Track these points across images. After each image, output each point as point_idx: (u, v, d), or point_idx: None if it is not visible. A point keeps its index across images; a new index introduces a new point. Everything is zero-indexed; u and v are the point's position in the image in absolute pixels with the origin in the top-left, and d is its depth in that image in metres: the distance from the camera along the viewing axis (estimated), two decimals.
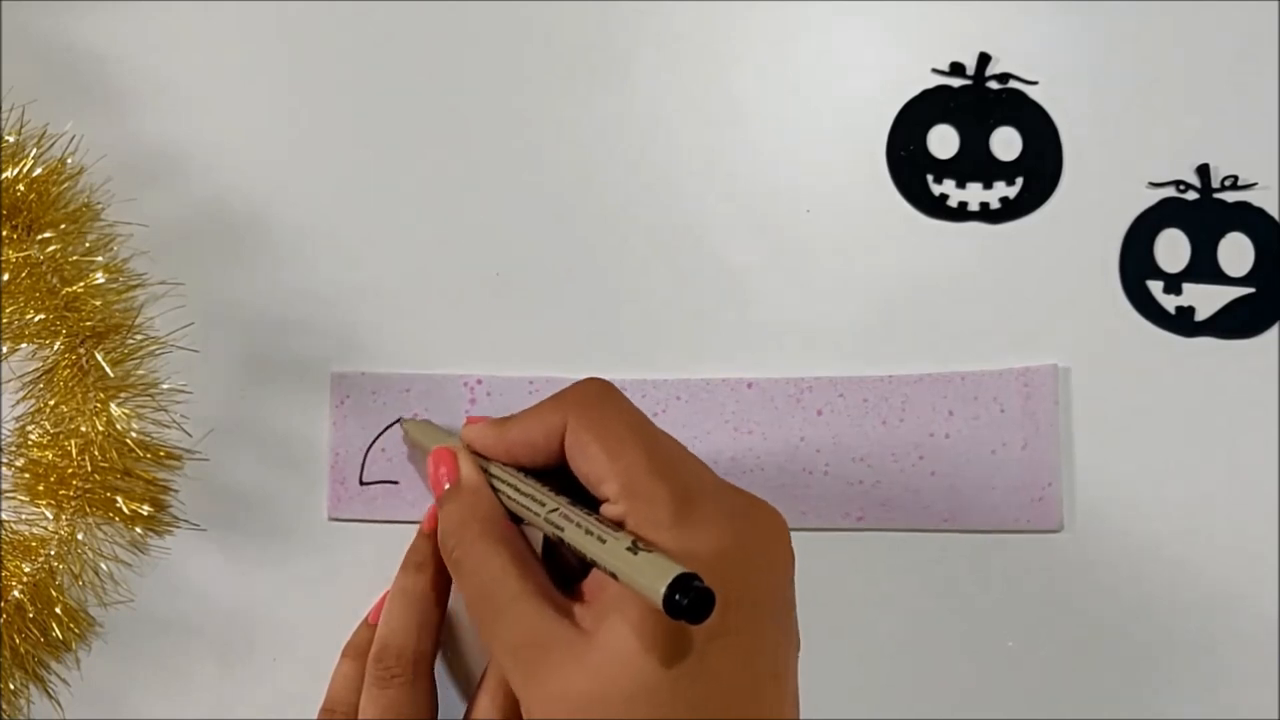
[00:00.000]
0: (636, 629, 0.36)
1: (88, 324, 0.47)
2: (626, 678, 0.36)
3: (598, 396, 0.42)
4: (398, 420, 0.49)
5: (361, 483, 0.49)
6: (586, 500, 0.40)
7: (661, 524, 0.38)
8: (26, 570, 0.47)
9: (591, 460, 0.40)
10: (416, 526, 0.47)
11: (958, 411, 0.48)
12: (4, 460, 0.48)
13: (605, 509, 0.39)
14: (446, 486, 0.44)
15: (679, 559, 0.35)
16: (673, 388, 0.49)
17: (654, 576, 0.34)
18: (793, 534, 0.40)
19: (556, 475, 0.42)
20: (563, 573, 0.42)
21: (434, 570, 0.46)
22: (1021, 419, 0.48)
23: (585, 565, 0.40)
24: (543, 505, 0.40)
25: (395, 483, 0.49)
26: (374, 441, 0.49)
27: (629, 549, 0.36)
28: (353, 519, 0.49)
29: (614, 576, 0.36)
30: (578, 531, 0.38)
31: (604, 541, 0.37)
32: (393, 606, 0.46)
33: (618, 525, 0.38)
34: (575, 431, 0.40)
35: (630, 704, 0.36)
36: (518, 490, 0.42)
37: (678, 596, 0.33)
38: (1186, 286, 0.49)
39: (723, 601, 0.34)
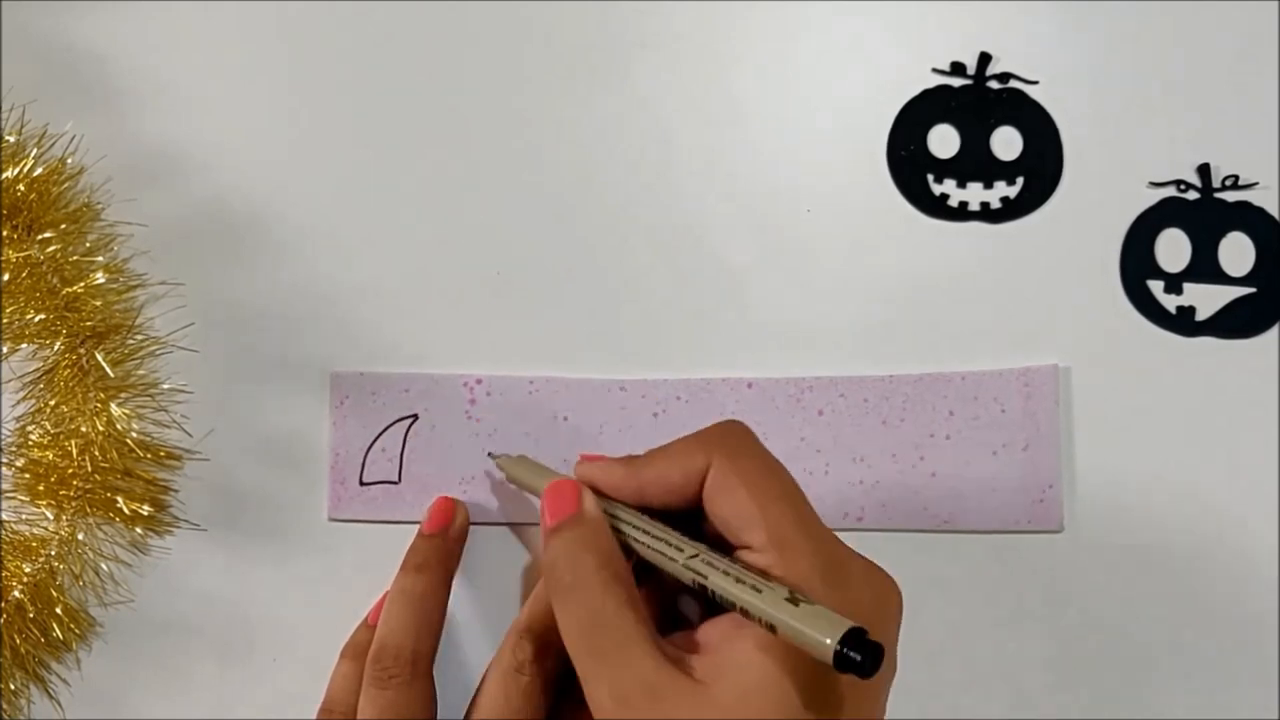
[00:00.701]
0: (768, 683, 0.36)
1: (88, 324, 0.47)
2: None
3: (743, 441, 0.41)
4: (489, 454, 0.48)
5: (361, 483, 0.49)
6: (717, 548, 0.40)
7: (810, 581, 0.37)
8: (27, 570, 0.47)
9: (738, 506, 0.39)
10: (416, 527, 0.47)
11: (958, 412, 0.48)
12: (4, 460, 0.48)
13: (745, 555, 0.38)
14: (556, 520, 0.41)
15: None
16: (673, 387, 0.49)
17: (823, 629, 0.34)
18: None
19: (674, 522, 0.41)
20: (662, 623, 0.42)
21: (434, 572, 0.46)
22: (1022, 420, 0.48)
23: (700, 615, 0.40)
24: (681, 550, 0.39)
25: (395, 483, 0.49)
26: (374, 441, 0.49)
27: (788, 599, 0.35)
28: (353, 519, 0.49)
29: (770, 628, 0.35)
30: (725, 579, 0.37)
31: (759, 591, 0.36)
32: (392, 607, 0.46)
33: (765, 574, 0.37)
34: (722, 475, 0.39)
35: None
36: (648, 534, 0.40)
37: (849, 651, 0.33)
38: (1187, 286, 0.49)
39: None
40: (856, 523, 0.48)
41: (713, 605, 0.38)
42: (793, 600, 0.35)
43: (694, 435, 0.41)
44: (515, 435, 0.49)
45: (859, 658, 0.33)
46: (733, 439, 0.41)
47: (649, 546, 0.40)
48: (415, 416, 0.49)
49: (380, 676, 0.44)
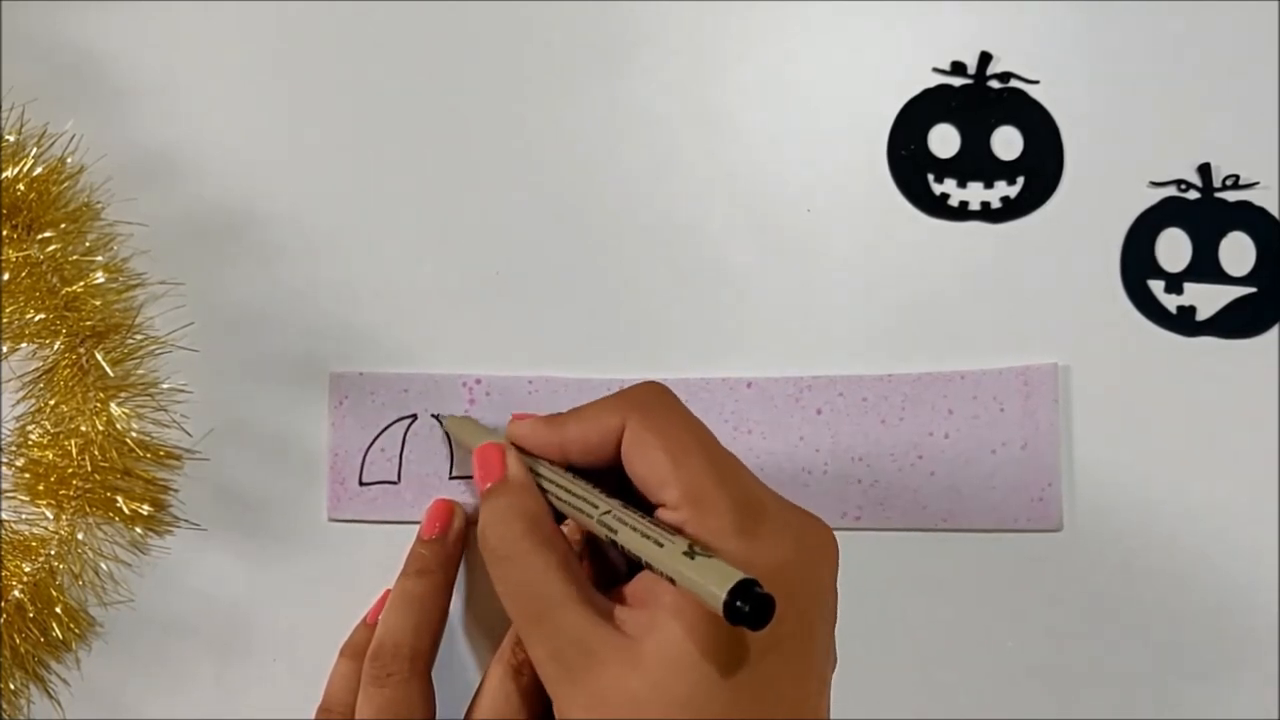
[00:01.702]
0: (690, 636, 0.36)
1: (88, 324, 0.47)
2: (679, 684, 0.36)
3: (659, 400, 0.41)
4: (436, 416, 0.49)
5: (361, 483, 0.49)
6: (638, 505, 0.40)
7: (724, 534, 0.37)
8: (27, 570, 0.47)
9: (652, 464, 0.39)
10: (416, 527, 0.47)
11: (957, 411, 0.48)
12: (4, 460, 0.48)
13: (663, 514, 0.39)
14: (489, 485, 0.43)
15: (740, 569, 0.35)
16: (672, 387, 0.49)
17: (715, 581, 0.34)
18: None
19: (602, 478, 0.41)
20: (601, 577, 0.42)
21: (435, 576, 0.46)
22: (1021, 418, 0.48)
23: (629, 569, 0.40)
24: (595, 507, 0.40)
25: (395, 483, 0.49)
26: (373, 441, 0.49)
27: (685, 553, 0.36)
28: (352, 519, 0.49)
29: (671, 580, 0.36)
30: (633, 535, 0.38)
31: (661, 545, 0.37)
32: (392, 608, 0.46)
33: (675, 530, 0.38)
34: (636, 433, 0.40)
35: (681, 709, 0.36)
36: (568, 491, 0.41)
37: (739, 602, 0.33)
38: (1188, 286, 0.49)
39: (779, 614, 0.34)
40: (855, 521, 0.48)
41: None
42: (689, 553, 0.36)
43: (613, 395, 0.42)
44: None
45: (747, 608, 0.33)
46: (648, 398, 0.41)
47: (568, 504, 0.41)
48: (414, 416, 0.49)
49: (378, 674, 0.44)
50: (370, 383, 0.49)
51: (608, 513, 0.39)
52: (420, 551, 0.47)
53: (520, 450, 0.43)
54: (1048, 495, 0.48)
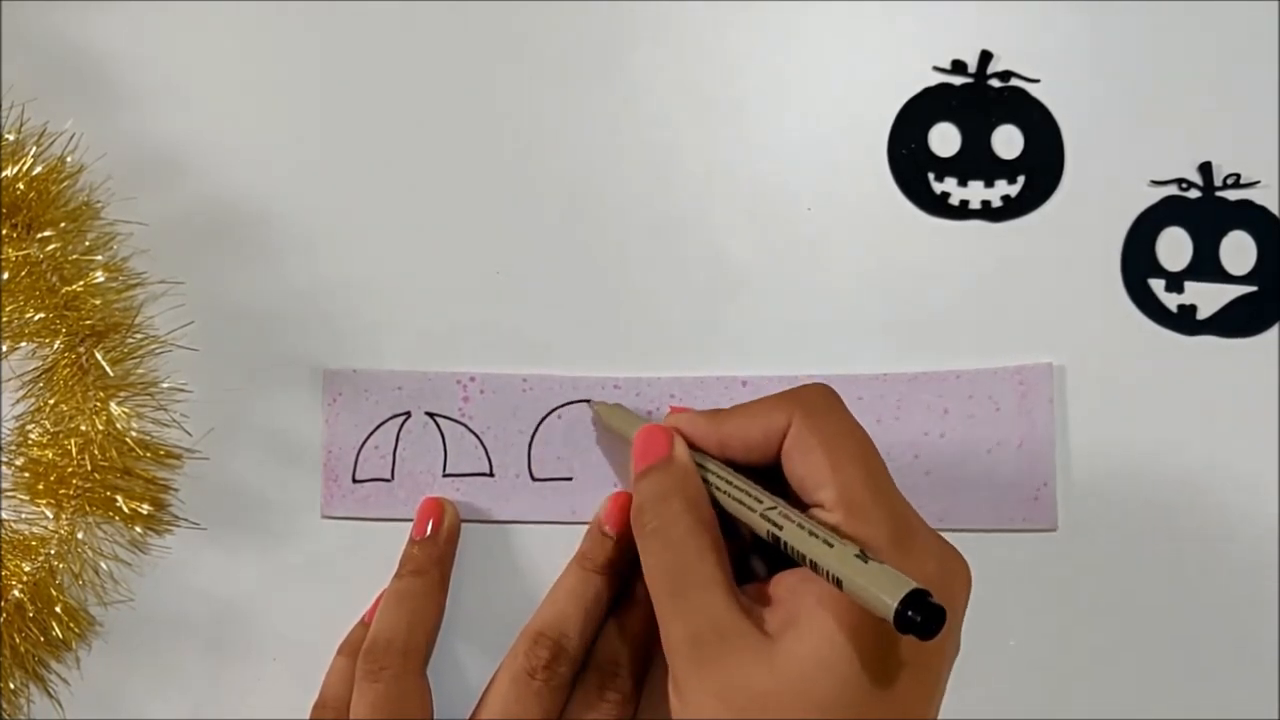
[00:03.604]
0: (832, 640, 0.36)
1: (87, 323, 0.47)
2: (814, 687, 0.36)
3: (825, 402, 0.41)
4: (587, 401, 0.48)
5: (354, 480, 0.49)
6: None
7: (878, 544, 0.37)
8: (26, 569, 0.47)
9: (813, 465, 0.39)
10: (411, 525, 0.48)
11: (953, 410, 0.48)
12: (4, 459, 0.48)
13: (816, 514, 0.39)
14: (650, 463, 0.42)
15: None
16: (667, 385, 0.49)
17: (887, 588, 0.34)
18: None
19: (758, 477, 0.41)
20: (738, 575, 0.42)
21: (429, 575, 0.46)
22: (1017, 417, 0.48)
23: (768, 570, 0.40)
24: (759, 502, 0.40)
25: (388, 480, 0.49)
26: (367, 439, 0.49)
27: (858, 556, 0.36)
28: (346, 517, 0.49)
29: (837, 583, 0.36)
30: (799, 532, 0.38)
31: (830, 546, 0.36)
32: (385, 606, 0.46)
33: (837, 532, 0.37)
34: (800, 434, 0.40)
35: (813, 711, 0.36)
36: (730, 483, 0.41)
37: (910, 612, 0.33)
38: (1188, 285, 0.49)
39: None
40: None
41: (781, 559, 0.39)
42: (862, 557, 0.36)
43: (778, 394, 0.42)
44: (509, 433, 0.49)
45: (920, 618, 0.33)
46: (815, 399, 0.41)
47: (729, 495, 0.41)
48: (408, 414, 0.49)
49: (371, 670, 0.44)
50: (364, 380, 0.49)
51: (772, 508, 0.39)
52: (413, 552, 0.47)
53: None
54: (1043, 495, 0.48)
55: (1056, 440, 0.48)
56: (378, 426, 0.49)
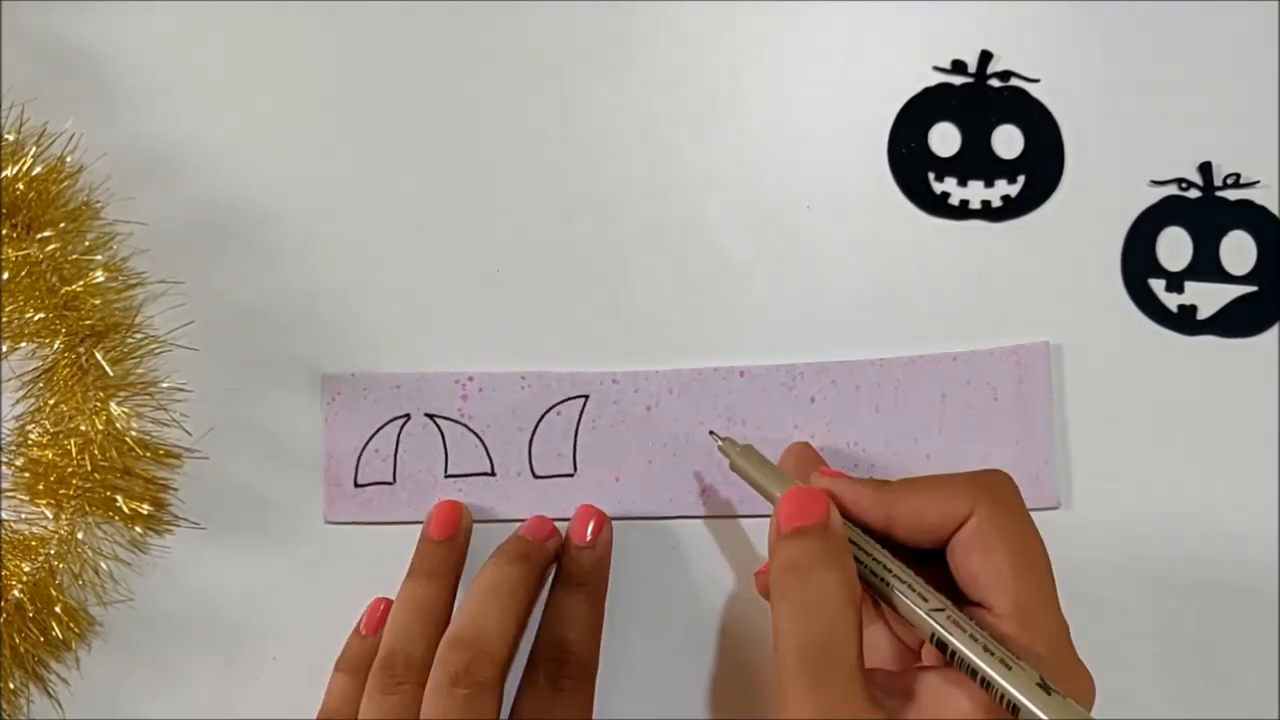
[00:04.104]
0: None
1: (87, 323, 0.47)
2: None
3: (1011, 497, 0.40)
4: (713, 434, 0.47)
5: (356, 485, 0.49)
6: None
7: (1042, 662, 0.36)
8: (26, 570, 0.47)
9: (994, 567, 0.38)
10: (413, 527, 0.48)
11: (951, 394, 0.48)
12: (4, 459, 0.48)
13: (980, 615, 0.38)
14: (798, 524, 0.39)
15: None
16: (665, 379, 0.49)
17: None
18: None
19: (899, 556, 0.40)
20: None
21: (445, 579, 0.46)
22: (1015, 398, 0.48)
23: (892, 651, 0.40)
24: (924, 600, 0.38)
25: (390, 483, 0.49)
26: (367, 443, 0.49)
27: (1040, 685, 0.35)
28: (349, 521, 0.49)
29: (1012, 710, 0.35)
30: (973, 645, 0.36)
31: (1009, 668, 0.36)
32: (401, 613, 0.45)
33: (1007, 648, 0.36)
34: (984, 531, 0.38)
35: None
36: (888, 570, 0.39)
37: None
38: (1188, 285, 0.49)
39: None
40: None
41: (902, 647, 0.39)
42: (1044, 687, 0.35)
43: (958, 477, 0.40)
44: (509, 431, 0.49)
45: None
46: (1001, 491, 0.40)
47: (888, 585, 0.39)
48: (408, 416, 0.49)
49: (388, 682, 0.43)
50: (362, 383, 0.49)
51: (941, 610, 0.37)
52: (431, 552, 0.46)
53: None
54: (1044, 474, 0.48)
55: (1057, 428, 0.48)
56: (378, 430, 0.49)
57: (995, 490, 0.40)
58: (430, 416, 0.49)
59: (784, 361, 0.49)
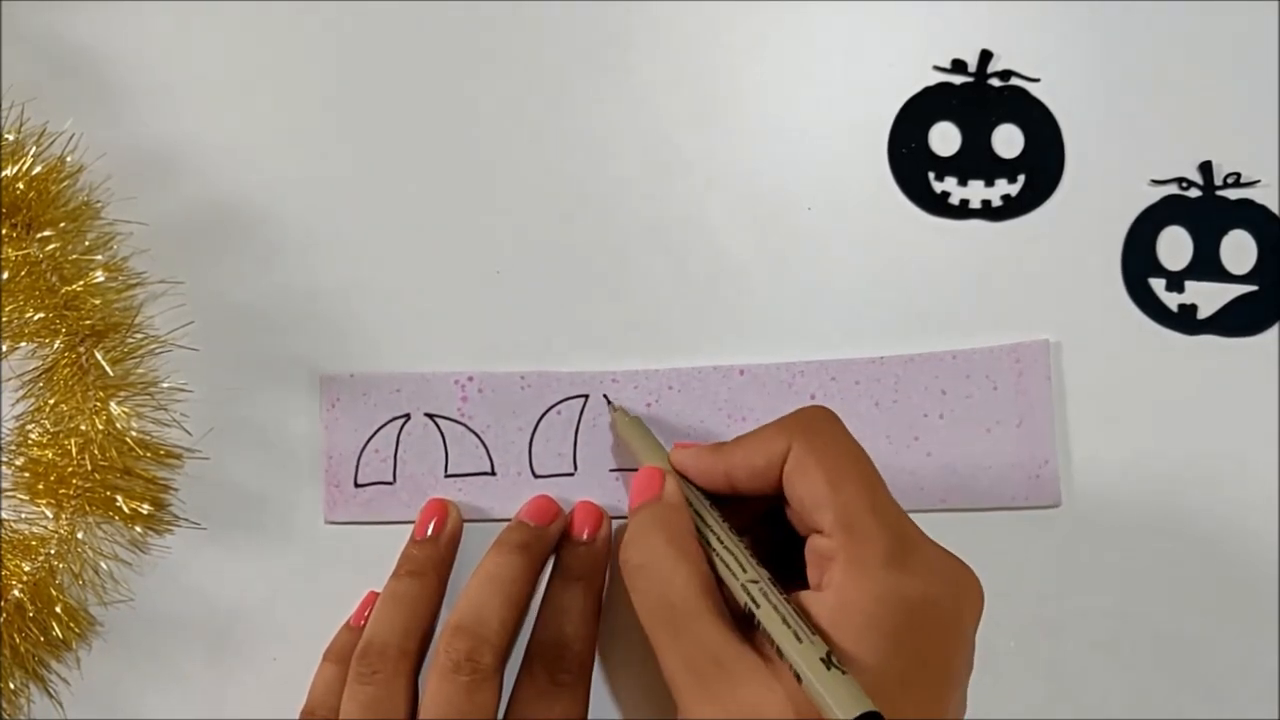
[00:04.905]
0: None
1: (87, 322, 0.47)
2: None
3: (824, 423, 0.42)
4: (608, 402, 0.48)
5: (356, 485, 0.49)
6: (792, 536, 0.41)
7: (874, 563, 0.38)
8: (26, 569, 0.47)
9: (812, 486, 0.40)
10: (413, 527, 0.47)
11: (951, 391, 0.48)
12: (4, 459, 0.48)
13: (816, 539, 0.40)
14: (636, 503, 0.43)
15: (889, 599, 0.36)
16: (665, 377, 0.49)
17: (843, 702, 0.34)
18: None
19: (763, 519, 0.42)
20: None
21: (427, 577, 0.46)
22: (1015, 396, 0.48)
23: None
24: (743, 570, 0.40)
25: (390, 483, 0.49)
26: (367, 443, 0.49)
27: (823, 660, 0.36)
28: (349, 521, 0.49)
29: (797, 677, 0.36)
30: (774, 616, 0.38)
31: (799, 641, 0.37)
32: (381, 607, 0.45)
33: (815, 628, 0.37)
34: (799, 456, 0.40)
35: None
36: (721, 543, 0.41)
37: None
38: (1189, 284, 0.49)
39: (921, 653, 0.36)
40: None
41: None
42: (826, 661, 0.36)
43: (778, 420, 0.42)
44: (509, 431, 0.49)
45: None
46: (813, 422, 0.42)
47: (717, 554, 0.41)
48: (408, 416, 0.49)
49: (363, 673, 0.44)
50: (362, 384, 0.49)
51: (754, 581, 0.39)
52: (412, 552, 0.47)
53: (686, 481, 0.44)
54: (1045, 472, 0.48)
55: (1057, 427, 0.48)
56: (378, 430, 0.49)
57: (808, 421, 0.42)
58: (430, 416, 0.49)
59: (782, 360, 0.49)
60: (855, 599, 0.38)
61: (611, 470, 0.48)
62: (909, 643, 0.37)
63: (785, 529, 0.42)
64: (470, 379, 0.49)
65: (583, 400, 0.49)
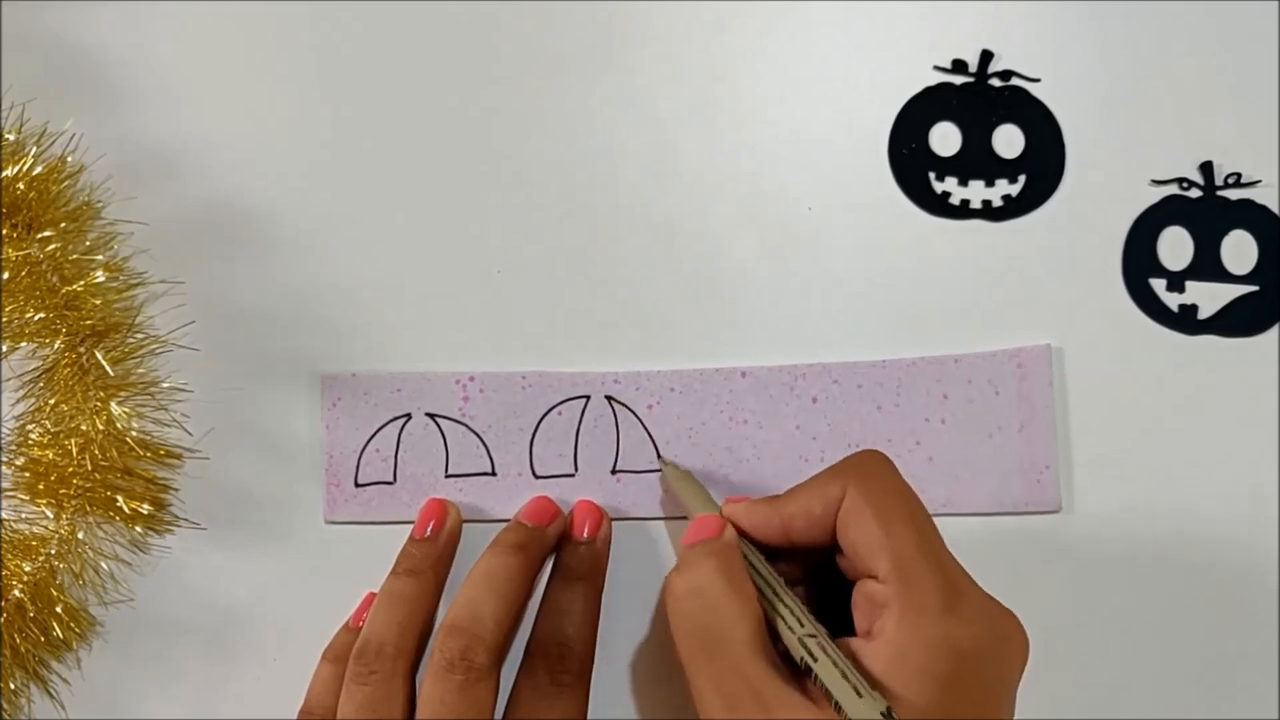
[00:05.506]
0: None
1: (88, 323, 0.47)
2: None
3: (876, 467, 0.42)
4: (659, 456, 0.48)
5: (357, 484, 0.49)
6: (842, 584, 0.41)
7: (929, 610, 0.38)
8: (27, 569, 0.47)
9: (866, 531, 0.40)
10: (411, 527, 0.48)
11: (952, 395, 0.48)
12: (4, 459, 0.48)
13: (868, 585, 0.39)
14: (691, 540, 0.42)
15: (942, 647, 0.36)
16: (666, 379, 0.49)
17: None
18: None
19: (817, 567, 0.42)
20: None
21: (425, 576, 0.46)
22: (1017, 400, 0.48)
23: None
24: (801, 625, 0.39)
25: (391, 483, 0.49)
26: (368, 442, 0.49)
27: (883, 714, 0.36)
28: (350, 521, 0.49)
29: None
30: (833, 670, 0.37)
31: (859, 695, 0.36)
32: (378, 607, 0.45)
33: (872, 684, 0.37)
34: (853, 501, 0.40)
35: None
36: (777, 596, 0.40)
37: None
38: (1189, 284, 0.49)
39: (971, 702, 0.36)
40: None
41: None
42: (886, 716, 0.36)
43: (831, 467, 0.42)
44: (510, 431, 0.49)
45: None
46: (866, 466, 0.42)
47: (772, 606, 0.40)
48: (409, 416, 0.49)
49: (360, 672, 0.44)
50: (363, 383, 0.49)
51: (812, 636, 0.39)
52: (410, 551, 0.47)
53: (740, 533, 0.43)
54: (1045, 477, 0.48)
55: (1058, 429, 0.48)
56: (378, 430, 0.49)
57: (861, 465, 0.42)
58: (431, 416, 0.49)
59: (784, 362, 0.49)
60: (909, 647, 0.37)
61: (613, 472, 0.49)
62: (960, 691, 0.37)
63: (828, 579, 0.42)
64: (471, 379, 0.49)
65: (584, 401, 0.49)
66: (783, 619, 0.40)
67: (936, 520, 0.47)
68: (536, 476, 0.49)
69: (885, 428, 0.48)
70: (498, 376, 0.49)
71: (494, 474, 0.49)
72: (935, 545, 0.40)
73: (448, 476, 0.49)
